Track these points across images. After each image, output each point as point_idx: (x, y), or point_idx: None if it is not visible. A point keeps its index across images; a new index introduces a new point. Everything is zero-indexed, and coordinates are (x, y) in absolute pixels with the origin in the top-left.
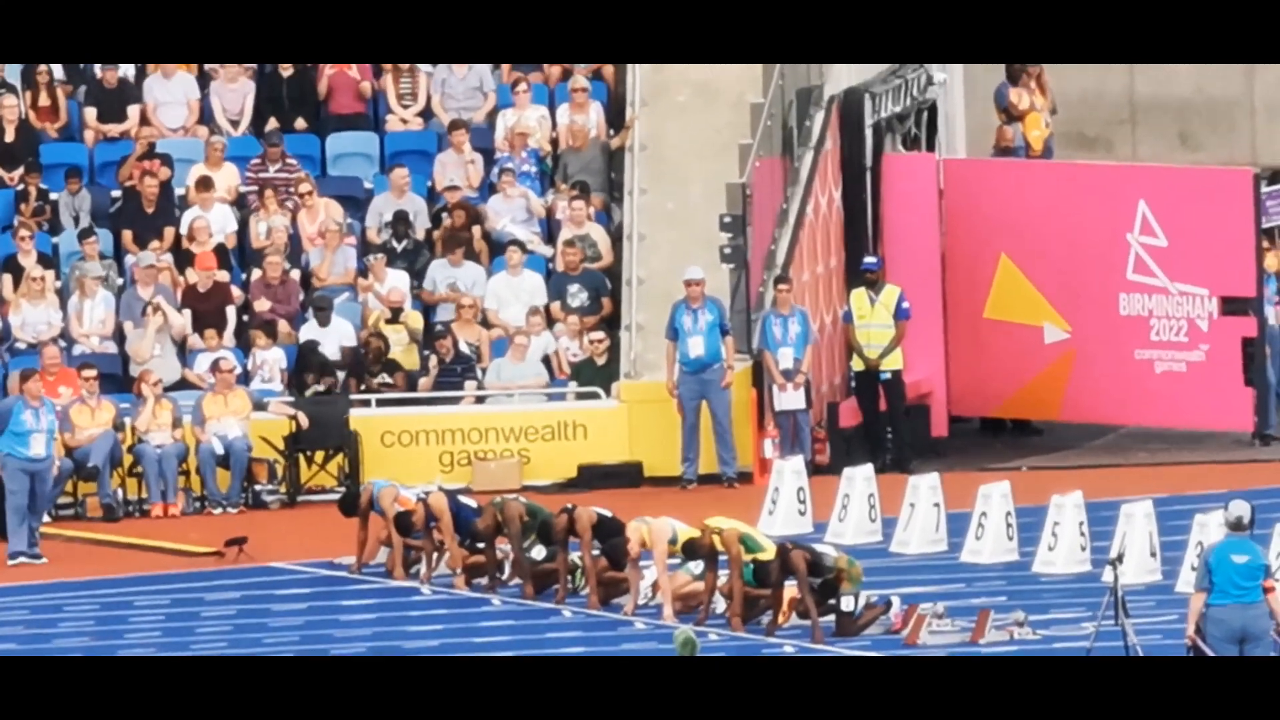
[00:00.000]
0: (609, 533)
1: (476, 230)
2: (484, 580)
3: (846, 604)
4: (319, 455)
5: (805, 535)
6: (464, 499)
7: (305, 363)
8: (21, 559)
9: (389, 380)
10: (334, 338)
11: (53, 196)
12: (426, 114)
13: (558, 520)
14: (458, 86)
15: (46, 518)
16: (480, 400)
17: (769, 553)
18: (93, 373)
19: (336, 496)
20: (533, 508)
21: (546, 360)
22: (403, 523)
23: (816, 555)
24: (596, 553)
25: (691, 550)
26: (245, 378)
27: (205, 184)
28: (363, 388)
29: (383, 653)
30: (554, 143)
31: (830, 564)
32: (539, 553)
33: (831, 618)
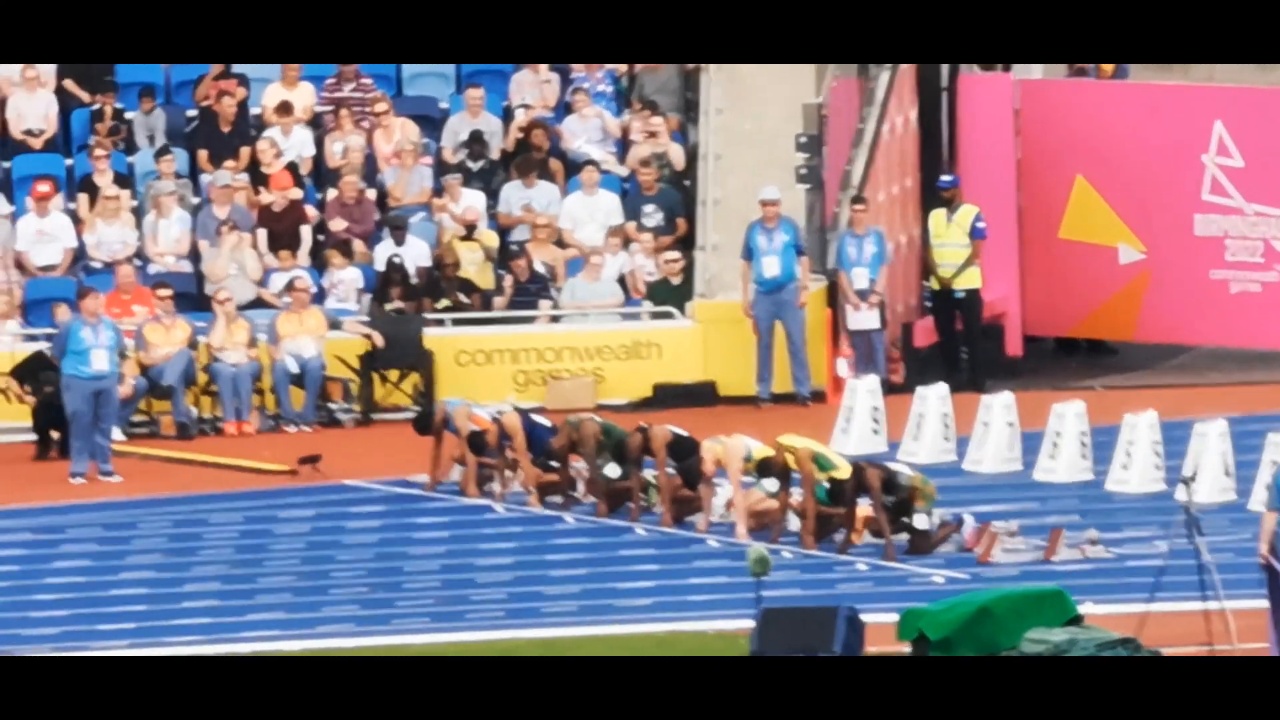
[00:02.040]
0: (684, 451)
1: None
2: (558, 498)
3: (920, 522)
4: (393, 374)
5: (879, 454)
6: (537, 417)
7: (389, 278)
8: (82, 479)
9: (465, 300)
10: (409, 257)
11: (128, 116)
12: None
13: (632, 439)
14: None
15: (120, 435)
16: (555, 320)
17: (843, 471)
18: (168, 292)
19: (411, 415)
20: (608, 426)
21: (621, 280)
22: (476, 442)
23: (891, 473)
24: (671, 471)
25: (765, 468)
26: (320, 297)
27: (285, 109)
28: (443, 303)
29: (457, 572)
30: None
31: (904, 482)
32: (613, 471)
33: (905, 536)
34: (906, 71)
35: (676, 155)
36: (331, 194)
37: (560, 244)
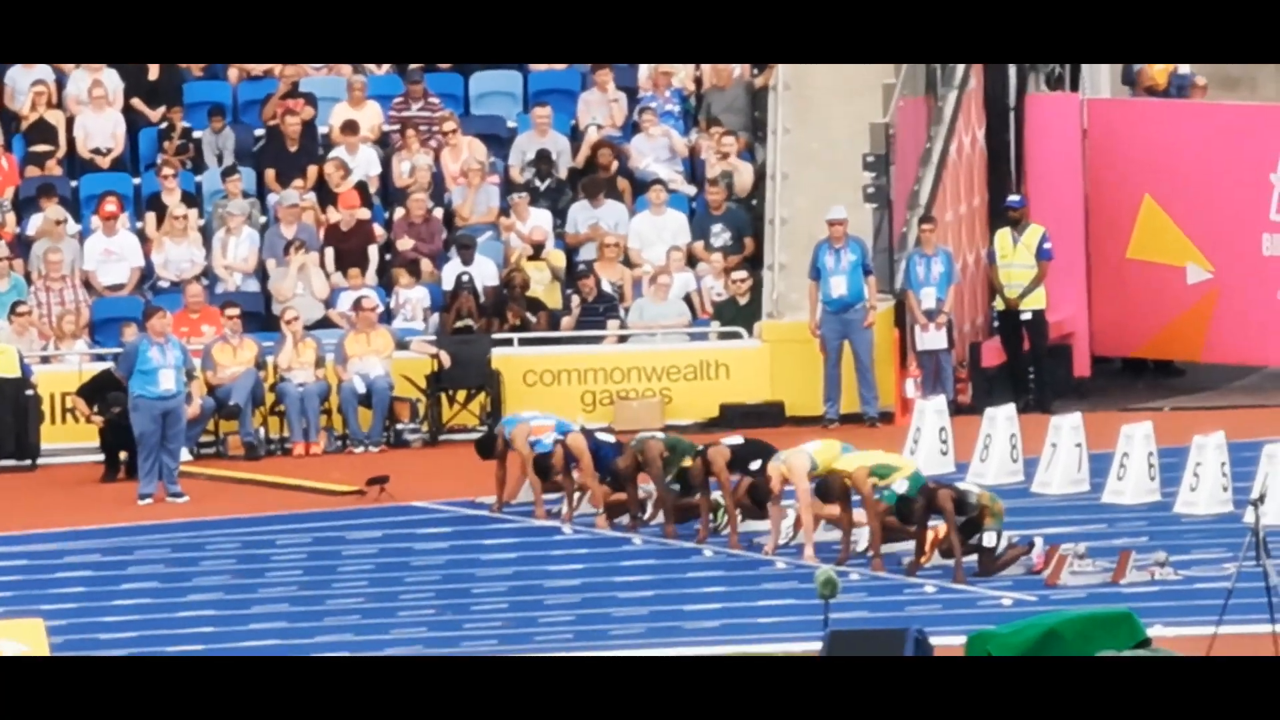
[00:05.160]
0: (748, 456)
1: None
2: (625, 519)
3: (989, 540)
4: (461, 394)
5: (947, 475)
6: (602, 435)
7: (456, 297)
8: (149, 500)
9: (532, 318)
10: (477, 277)
11: (196, 135)
12: None
13: (693, 468)
14: None
15: (188, 455)
16: (623, 340)
17: (906, 469)
18: (235, 311)
19: (478, 436)
20: (671, 442)
21: (688, 299)
22: (541, 466)
23: (961, 494)
24: (737, 479)
25: (824, 491)
26: (387, 316)
27: (350, 128)
28: (517, 323)
29: (524, 593)
30: (698, 82)
31: (974, 502)
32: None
33: (973, 558)
34: (974, 91)
35: (744, 175)
36: (399, 213)
37: (628, 263)
